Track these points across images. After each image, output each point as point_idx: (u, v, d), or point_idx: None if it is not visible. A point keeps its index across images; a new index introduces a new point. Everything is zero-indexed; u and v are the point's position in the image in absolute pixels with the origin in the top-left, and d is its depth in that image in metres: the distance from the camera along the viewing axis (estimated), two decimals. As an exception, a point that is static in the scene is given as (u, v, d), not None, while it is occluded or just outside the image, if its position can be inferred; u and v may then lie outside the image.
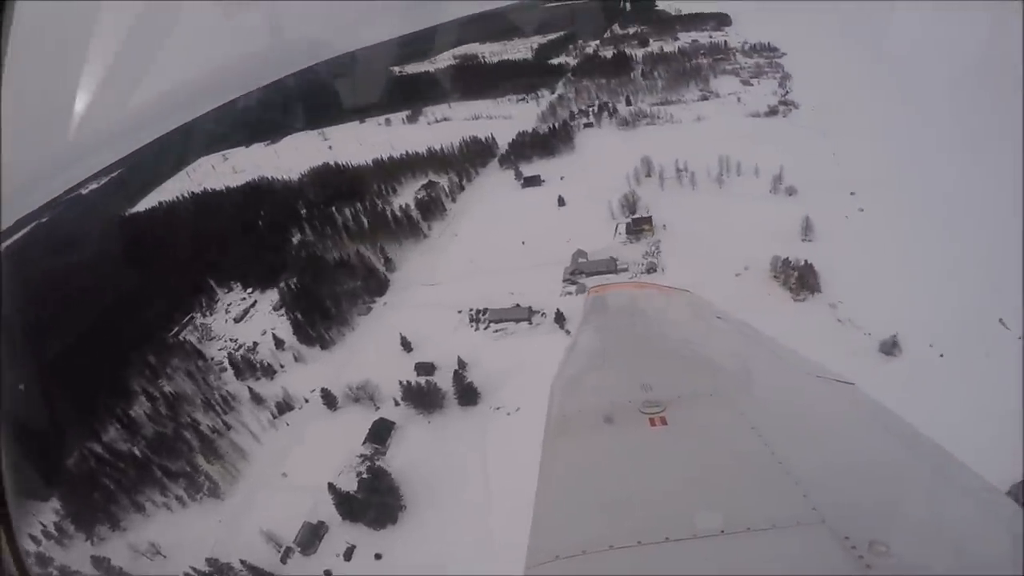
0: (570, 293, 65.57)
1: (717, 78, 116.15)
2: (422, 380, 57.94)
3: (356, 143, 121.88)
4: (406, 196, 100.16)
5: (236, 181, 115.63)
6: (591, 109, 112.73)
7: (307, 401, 62.57)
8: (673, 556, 2.62)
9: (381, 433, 53.73)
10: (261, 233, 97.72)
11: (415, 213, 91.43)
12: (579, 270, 68.28)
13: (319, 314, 73.54)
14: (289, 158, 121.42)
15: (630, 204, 77.58)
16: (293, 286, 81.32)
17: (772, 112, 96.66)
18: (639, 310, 6.29)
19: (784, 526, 2.65)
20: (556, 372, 5.03)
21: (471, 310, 67.35)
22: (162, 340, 78.85)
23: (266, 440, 59.41)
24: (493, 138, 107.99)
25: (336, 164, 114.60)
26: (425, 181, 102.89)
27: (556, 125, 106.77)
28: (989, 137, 73.06)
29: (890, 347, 53.17)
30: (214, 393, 67.68)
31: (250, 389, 64.96)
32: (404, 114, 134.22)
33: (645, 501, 3.17)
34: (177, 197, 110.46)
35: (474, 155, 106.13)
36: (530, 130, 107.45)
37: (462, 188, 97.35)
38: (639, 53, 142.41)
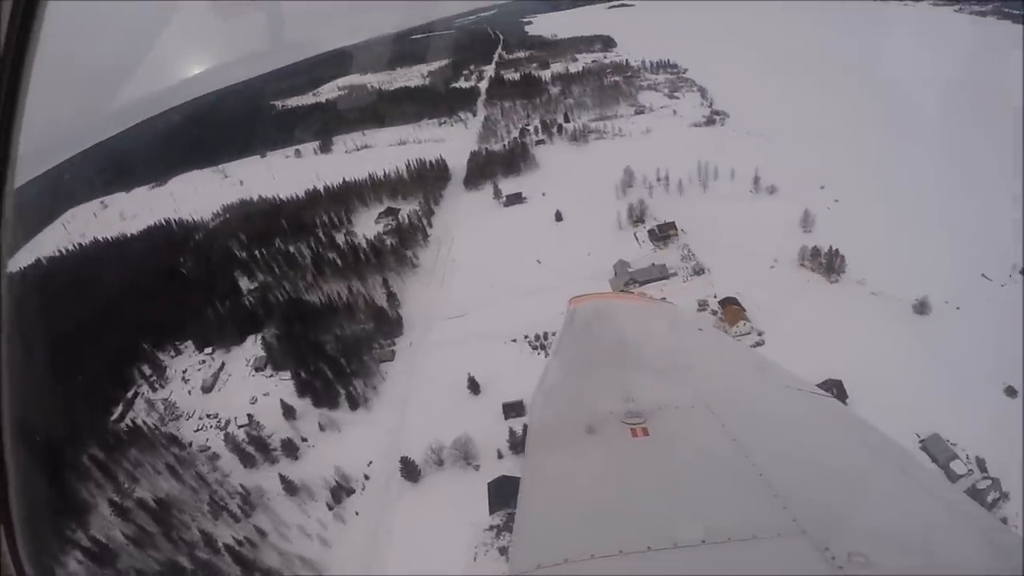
0: (628, 304, 62.93)
1: (639, 93, 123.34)
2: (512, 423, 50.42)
3: (268, 177, 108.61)
4: (364, 226, 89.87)
5: (131, 228, 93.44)
6: (535, 127, 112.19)
7: (367, 478, 50.74)
8: (654, 565, 2.59)
9: (507, 493, 45.10)
10: (192, 282, 79.74)
11: (390, 242, 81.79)
12: (633, 279, 66.07)
13: (329, 369, 61.11)
14: (188, 198, 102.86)
15: (637, 213, 77.57)
16: (273, 339, 67.10)
17: (710, 121, 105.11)
18: (621, 321, 6.17)
19: (764, 537, 2.65)
20: (537, 383, 4.92)
21: (527, 336, 61.00)
22: (104, 429, 59.36)
23: (339, 541, 46.27)
24: (443, 160, 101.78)
25: (262, 198, 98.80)
26: (382, 208, 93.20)
27: (509, 144, 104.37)
28: (908, 112, 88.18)
29: (921, 307, 59.33)
30: (220, 491, 52.07)
31: (282, 478, 50.80)
32: (314, 145, 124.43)
33: (627, 511, 3.15)
34: (59, 251, 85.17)
35: (428, 179, 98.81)
36: (483, 150, 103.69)
37: (431, 212, 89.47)
38: (545, 74, 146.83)
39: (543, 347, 60.14)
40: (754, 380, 5.30)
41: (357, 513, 48.14)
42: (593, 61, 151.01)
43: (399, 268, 76.41)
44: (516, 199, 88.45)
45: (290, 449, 54.50)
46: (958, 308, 59.86)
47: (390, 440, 52.96)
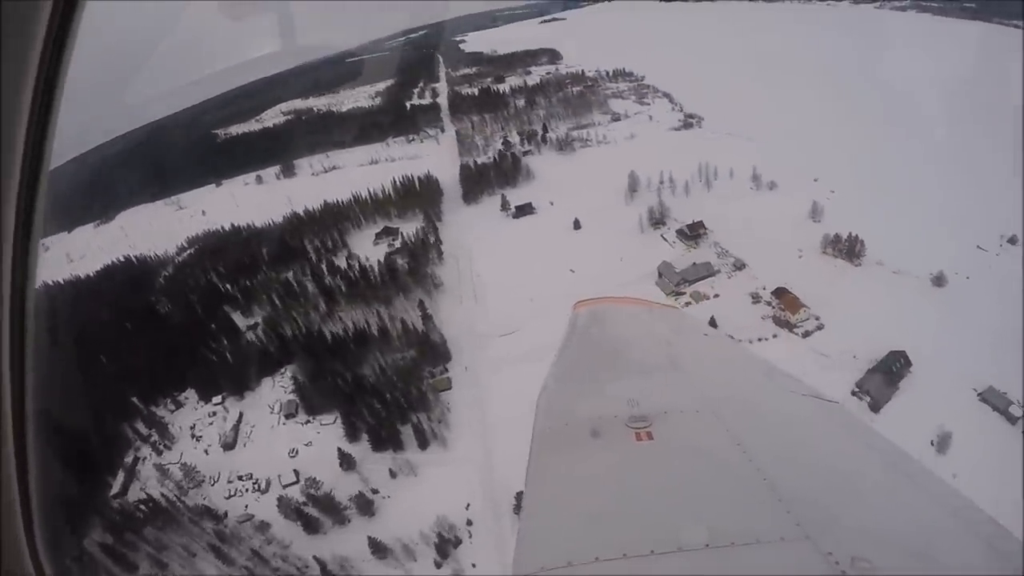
0: (690, 303, 61.97)
1: (609, 101, 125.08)
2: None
3: (231, 205, 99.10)
4: (362, 248, 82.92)
5: (83, 269, 79.82)
6: (520, 138, 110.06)
7: (471, 524, 44.88)
8: (658, 569, 2.62)
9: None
10: (174, 323, 69.16)
11: (403, 262, 75.74)
12: (684, 279, 65.23)
13: (381, 406, 54.46)
14: (142, 234, 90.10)
15: (657, 215, 77.31)
16: (301, 378, 59.24)
17: (687, 125, 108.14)
18: (626, 325, 6.22)
19: (768, 541, 2.69)
20: (542, 385, 4.95)
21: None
22: (105, 506, 49.06)
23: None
24: (433, 176, 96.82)
25: (234, 227, 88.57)
26: (377, 229, 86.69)
27: (498, 156, 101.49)
28: (867, 104, 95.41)
29: (939, 280, 63.45)
30: (288, 568, 44.00)
31: (371, 540, 43.58)
32: (274, 170, 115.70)
33: (631, 514, 3.16)
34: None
35: (419, 195, 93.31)
36: (472, 163, 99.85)
37: (435, 229, 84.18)
38: (503, 88, 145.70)
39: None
40: (759, 385, 5.24)
41: (474, 565, 42.27)
42: (548, 73, 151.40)
43: (422, 288, 70.48)
44: (526, 210, 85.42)
45: (363, 504, 47.32)
46: (968, 278, 64.58)
47: (481, 476, 47.52)
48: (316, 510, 47.00)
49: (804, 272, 67.44)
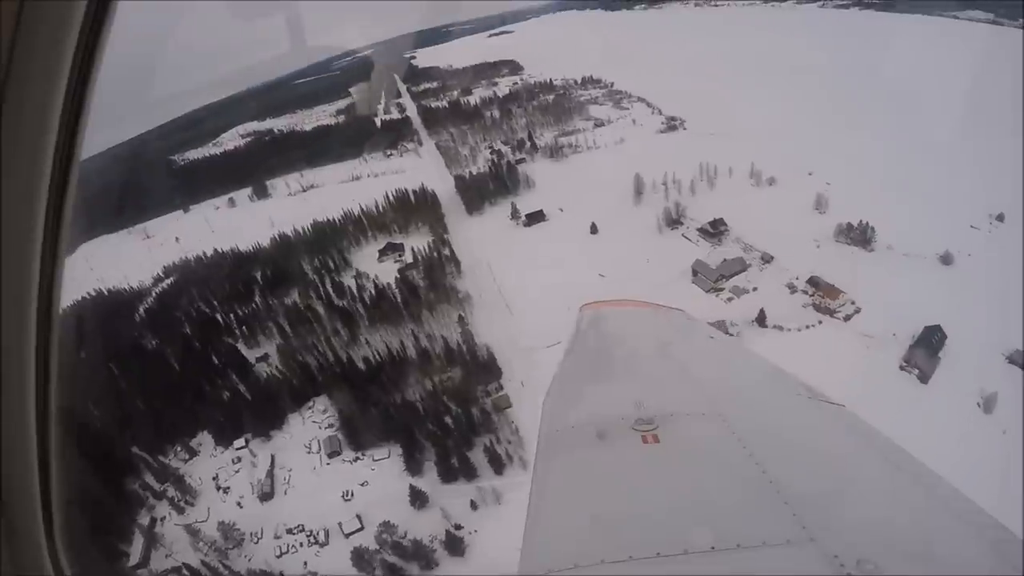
0: (732, 298, 61.57)
1: (587, 108, 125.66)
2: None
3: (206, 231, 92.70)
4: (366, 266, 77.83)
5: (50, 311, 69.43)
6: (510, 146, 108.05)
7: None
8: (664, 571, 2.64)
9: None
10: (166, 358, 61.64)
11: (421, 278, 71.47)
12: (721, 275, 64.81)
13: (442, 432, 50.04)
14: (110, 266, 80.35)
15: (675, 215, 77.28)
16: (341, 412, 53.82)
17: (671, 128, 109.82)
18: (632, 327, 6.27)
19: (774, 544, 2.71)
20: (548, 387, 5.04)
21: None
22: None
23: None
24: (429, 189, 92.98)
25: (218, 252, 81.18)
26: (378, 245, 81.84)
27: (492, 165, 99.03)
28: (838, 99, 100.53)
29: (946, 259, 66.72)
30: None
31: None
32: (246, 192, 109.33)
33: (637, 517, 3.18)
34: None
35: (417, 209, 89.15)
36: (467, 174, 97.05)
37: (444, 242, 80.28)
38: (473, 100, 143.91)
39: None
40: (765, 388, 5.21)
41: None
42: (515, 83, 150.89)
43: (448, 303, 66.44)
44: (538, 217, 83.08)
45: (451, 543, 42.68)
46: (970, 255, 68.21)
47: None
48: (397, 557, 41.87)
49: (825, 260, 68.90)
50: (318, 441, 53.17)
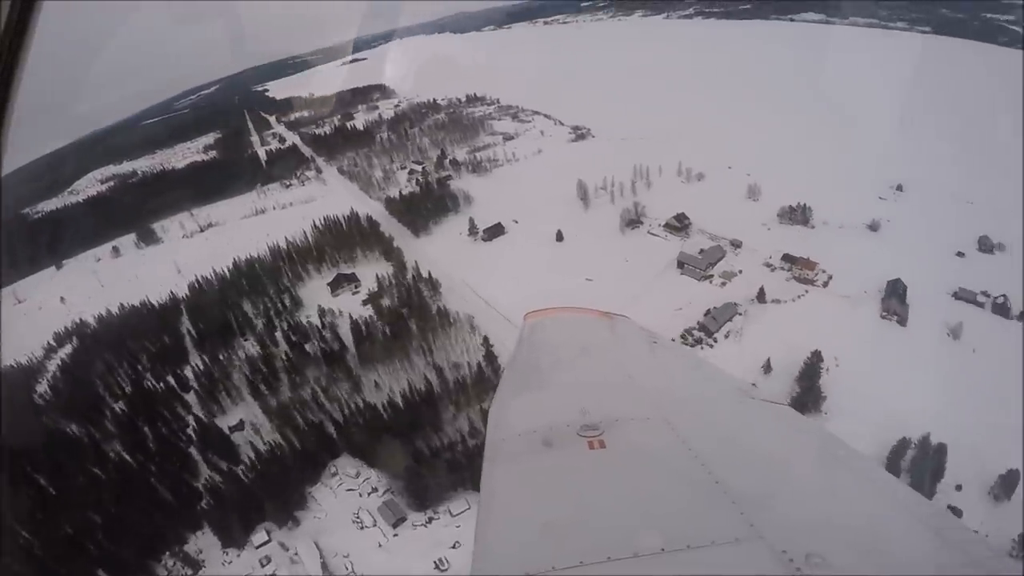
0: (724, 282, 63.18)
1: (488, 123, 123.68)
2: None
3: (95, 287, 75.58)
4: (319, 300, 65.86)
5: None
6: (423, 166, 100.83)
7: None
8: (616, 574, 2.64)
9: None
10: (104, 446, 45.20)
11: (398, 307, 62.14)
12: (709, 261, 66.08)
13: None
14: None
15: (631, 216, 77.55)
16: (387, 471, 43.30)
17: (581, 136, 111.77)
18: (577, 334, 6.28)
19: (723, 543, 2.73)
20: (494, 396, 5.03)
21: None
22: None
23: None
24: (357, 213, 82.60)
25: (124, 307, 63.67)
26: (324, 279, 70.11)
27: (421, 185, 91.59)
28: (725, 97, 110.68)
29: (874, 226, 74.93)
30: None
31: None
32: (130, 239, 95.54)
33: (586, 522, 3.16)
34: None
35: (349, 236, 78.50)
36: (398, 196, 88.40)
37: (404, 266, 71.20)
38: (357, 124, 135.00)
39: (698, 342, 55.31)
40: (709, 391, 5.39)
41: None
42: (397, 105, 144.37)
43: (448, 326, 58.26)
44: (497, 231, 77.45)
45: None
46: (889, 221, 78.18)
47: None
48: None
49: (780, 240, 73.81)
50: (368, 512, 41.85)
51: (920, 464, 41.85)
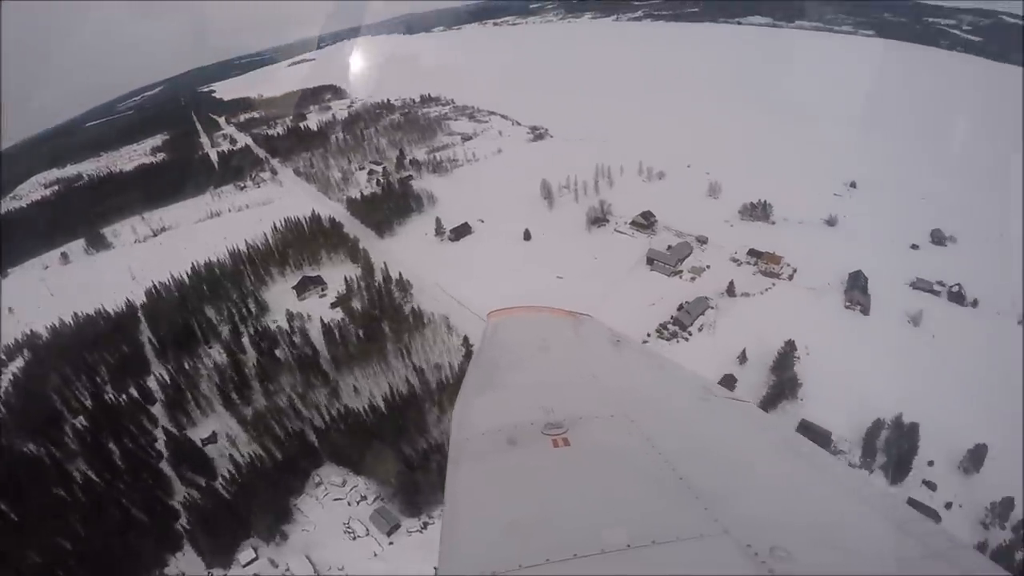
0: (694, 277, 63.36)
1: (446, 123, 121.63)
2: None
3: (42, 294, 72.91)
4: (286, 305, 62.44)
5: None
6: (383, 166, 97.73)
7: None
8: (582, 572, 2.64)
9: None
10: (64, 471, 40.41)
11: (370, 310, 59.53)
12: (678, 257, 66.44)
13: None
14: None
15: (597, 214, 77.33)
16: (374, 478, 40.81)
17: (539, 136, 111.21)
18: (540, 334, 6.18)
19: (688, 538, 2.74)
20: (458, 396, 4.98)
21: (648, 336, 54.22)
22: None
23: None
24: (319, 216, 79.18)
25: (80, 316, 58.92)
26: (288, 283, 66.56)
27: (381, 185, 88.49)
28: (673, 95, 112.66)
29: (831, 222, 77.59)
30: None
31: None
32: (79, 244, 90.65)
33: (552, 520, 3.15)
34: None
35: (310, 239, 75.00)
36: (359, 197, 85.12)
37: (372, 268, 68.45)
38: (310, 124, 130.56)
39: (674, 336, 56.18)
40: (672, 388, 5.41)
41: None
42: (350, 105, 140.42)
43: (424, 328, 56.04)
44: (464, 231, 75.48)
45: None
46: (845, 216, 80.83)
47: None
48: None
49: (743, 235, 75.16)
50: (360, 521, 39.30)
51: (895, 442, 42.92)
